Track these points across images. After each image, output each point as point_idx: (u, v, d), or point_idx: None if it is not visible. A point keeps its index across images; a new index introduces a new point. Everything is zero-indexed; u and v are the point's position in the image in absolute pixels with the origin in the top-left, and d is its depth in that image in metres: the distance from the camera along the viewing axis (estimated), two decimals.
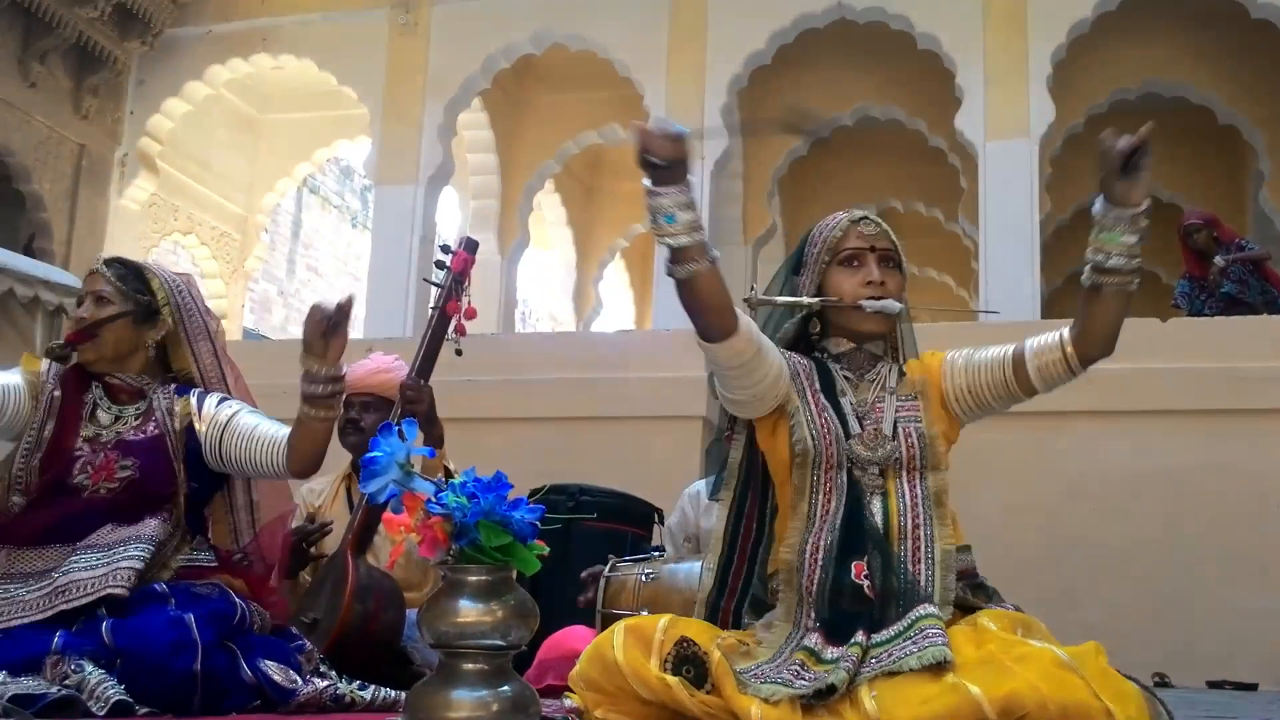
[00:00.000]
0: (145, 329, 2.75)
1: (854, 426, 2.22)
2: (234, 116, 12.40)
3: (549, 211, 13.52)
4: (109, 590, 2.38)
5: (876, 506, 2.17)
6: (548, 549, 1.60)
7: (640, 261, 14.39)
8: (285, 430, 2.67)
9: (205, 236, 12.24)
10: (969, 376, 2.30)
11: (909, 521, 2.17)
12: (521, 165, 11.88)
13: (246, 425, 2.70)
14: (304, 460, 2.62)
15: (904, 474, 2.20)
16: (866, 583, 2.08)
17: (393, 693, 2.68)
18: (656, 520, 4.21)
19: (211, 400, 2.75)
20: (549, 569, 1.64)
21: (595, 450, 5.41)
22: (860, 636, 2.00)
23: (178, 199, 11.80)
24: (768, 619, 2.19)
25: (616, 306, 15.34)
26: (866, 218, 2.35)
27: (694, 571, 2.97)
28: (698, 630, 2.09)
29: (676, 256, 2.08)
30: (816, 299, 2.30)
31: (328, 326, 2.48)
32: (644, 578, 3.04)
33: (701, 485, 3.72)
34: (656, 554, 3.25)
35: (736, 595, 2.31)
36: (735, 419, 2.40)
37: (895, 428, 2.22)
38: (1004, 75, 8.91)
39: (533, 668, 3.14)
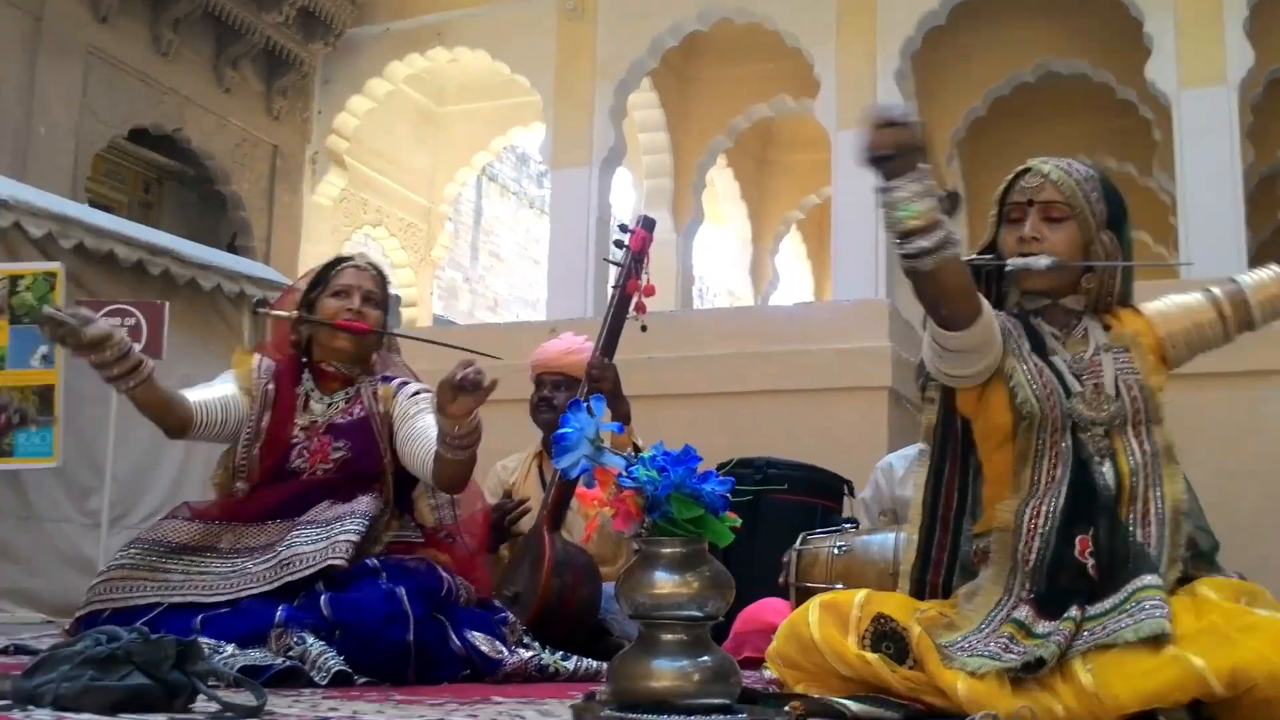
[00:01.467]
0: (380, 345, 2.99)
1: (1073, 385, 2.11)
2: (414, 110, 12.79)
3: (722, 187, 13.49)
4: (330, 561, 2.51)
5: (1106, 469, 2.06)
6: (739, 520, 1.60)
7: (816, 232, 14.22)
8: None
9: (394, 228, 12.68)
10: (1187, 321, 2.20)
11: (1140, 482, 2.05)
12: (693, 142, 11.88)
13: (419, 428, 2.79)
14: (446, 486, 2.75)
15: (1129, 432, 2.09)
16: (1091, 561, 1.97)
17: (594, 663, 2.75)
18: (846, 492, 4.17)
19: (407, 391, 2.89)
20: (739, 542, 1.64)
21: (778, 424, 5.38)
22: (1075, 611, 1.91)
23: (366, 193, 12.26)
24: (971, 587, 2.13)
25: (794, 279, 15.20)
26: (1030, 169, 2.24)
27: (888, 543, 2.93)
28: (896, 605, 2.05)
29: (918, 250, 1.94)
30: (975, 257, 2.22)
31: (457, 389, 2.48)
32: (836, 550, 3.02)
33: (894, 458, 3.67)
34: (848, 526, 3.22)
35: (943, 568, 2.22)
36: (926, 382, 2.32)
37: (1116, 384, 2.12)
38: (1196, 21, 8.44)
39: (729, 640, 3.16)
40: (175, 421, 2.76)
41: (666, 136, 11.80)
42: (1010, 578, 2.04)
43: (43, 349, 5.45)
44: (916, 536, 2.25)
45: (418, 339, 3.04)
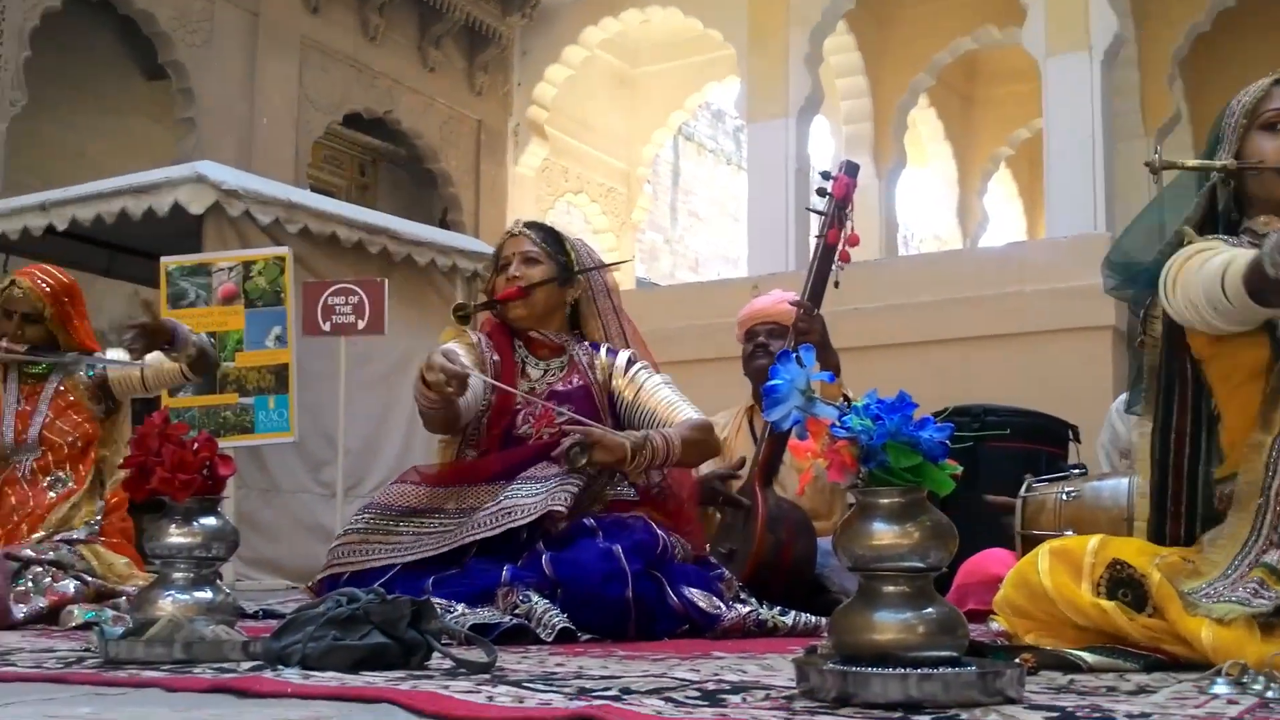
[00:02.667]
0: (566, 289, 2.97)
1: None
2: (610, 75, 12.91)
3: (925, 128, 13.10)
4: (551, 508, 2.56)
5: None
6: (960, 468, 1.54)
7: (1027, 168, 13.65)
8: (690, 415, 2.86)
9: (594, 194, 12.86)
10: None
11: None
12: (893, 83, 11.56)
13: (662, 398, 2.91)
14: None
15: None
16: None
17: (813, 618, 2.73)
18: (1071, 437, 4.00)
19: (622, 358, 2.96)
20: (959, 492, 1.59)
21: (994, 370, 5.21)
22: None
23: (566, 161, 12.46)
24: (1215, 533, 1.99)
25: (1004, 219, 14.64)
26: None
27: (1120, 488, 2.79)
28: (1134, 551, 1.94)
29: None
30: (1232, 161, 2.04)
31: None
32: (1064, 496, 2.90)
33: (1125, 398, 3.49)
34: (1076, 472, 3.08)
35: (1182, 519, 2.06)
36: (1145, 321, 2.14)
37: None
38: None
39: (951, 592, 3.08)
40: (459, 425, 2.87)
41: (865, 80, 11.52)
42: (1259, 519, 1.90)
43: (276, 330, 5.78)
44: (1147, 490, 2.11)
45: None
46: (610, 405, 2.92)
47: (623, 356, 2.97)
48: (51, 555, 3.22)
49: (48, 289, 3.53)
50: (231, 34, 9.29)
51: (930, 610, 1.46)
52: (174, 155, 8.40)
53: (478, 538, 2.59)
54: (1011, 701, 1.40)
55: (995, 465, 3.66)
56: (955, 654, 1.45)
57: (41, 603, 3.08)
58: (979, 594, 2.88)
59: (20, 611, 3.03)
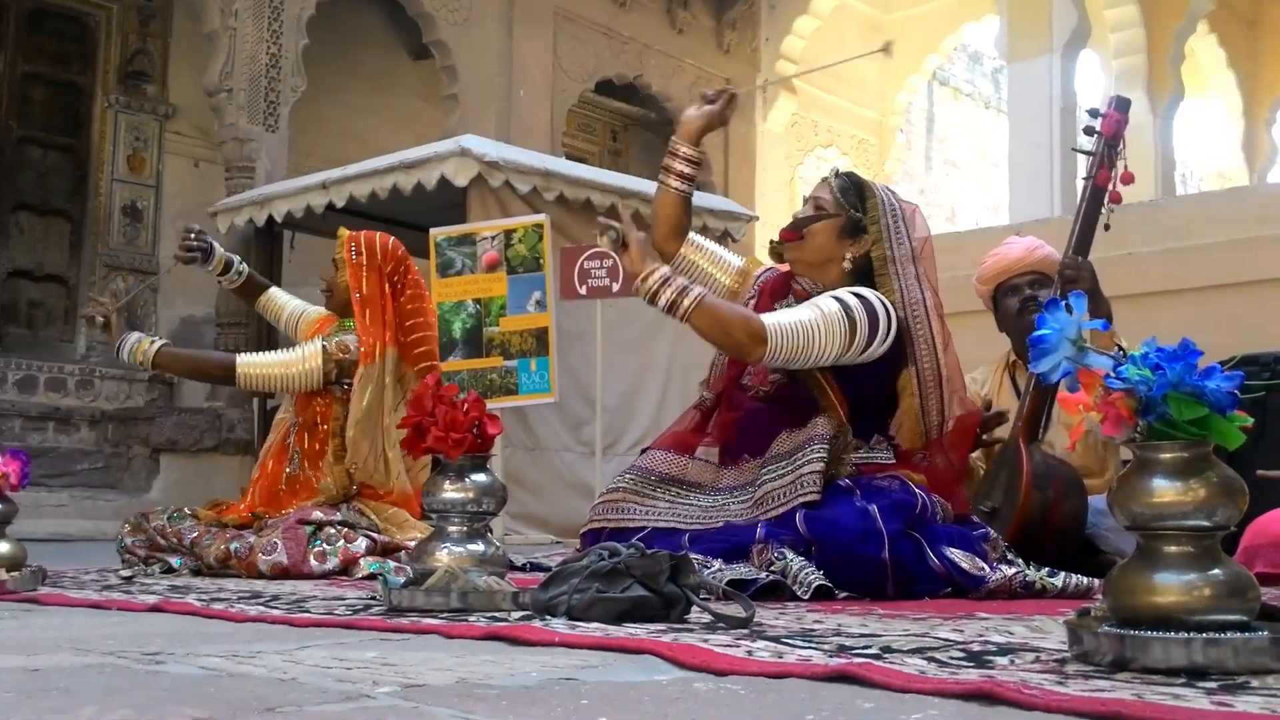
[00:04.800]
0: (847, 242, 2.83)
1: None
2: (861, 22, 12.62)
3: (1205, 57, 12.17)
4: (800, 498, 2.54)
5: None
6: (1250, 420, 1.43)
7: None
8: (765, 315, 2.70)
9: (845, 146, 12.64)
10: None
11: None
12: (1169, 9, 10.79)
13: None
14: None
15: None
16: None
17: (1085, 580, 2.60)
18: None
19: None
20: (1248, 447, 1.47)
21: None
22: None
23: (816, 114, 12.30)
24: None
25: None
26: None
27: None
28: None
29: None
30: None
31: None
32: None
33: None
34: None
35: None
36: None
37: None
38: None
39: (1238, 553, 2.87)
40: (668, 236, 2.99)
41: (1137, 8, 10.80)
42: None
43: (536, 295, 5.98)
44: None
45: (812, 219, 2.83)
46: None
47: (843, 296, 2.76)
48: (339, 516, 3.44)
49: (353, 242, 3.64)
50: (490, 10, 9.62)
51: (1217, 571, 1.37)
52: (440, 131, 8.80)
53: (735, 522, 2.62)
54: None
55: None
56: (1244, 618, 1.35)
57: (335, 562, 3.30)
58: (1270, 555, 2.67)
59: (318, 568, 3.26)
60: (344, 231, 3.75)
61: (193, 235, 3.91)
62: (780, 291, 2.93)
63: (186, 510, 3.62)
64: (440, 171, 6.47)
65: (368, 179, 6.86)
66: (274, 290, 4.04)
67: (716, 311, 2.64)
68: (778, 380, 2.78)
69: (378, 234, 3.76)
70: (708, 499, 2.72)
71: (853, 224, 2.81)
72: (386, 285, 3.64)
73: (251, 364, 3.58)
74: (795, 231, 2.84)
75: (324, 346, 3.59)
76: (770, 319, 2.65)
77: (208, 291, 8.03)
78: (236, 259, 4.00)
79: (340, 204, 7.02)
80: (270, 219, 7.45)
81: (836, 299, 2.68)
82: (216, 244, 3.95)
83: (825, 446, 2.60)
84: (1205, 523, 1.37)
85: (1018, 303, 3.49)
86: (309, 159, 8.33)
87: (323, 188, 7.09)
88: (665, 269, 2.67)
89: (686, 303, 2.60)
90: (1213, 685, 1.20)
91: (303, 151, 8.47)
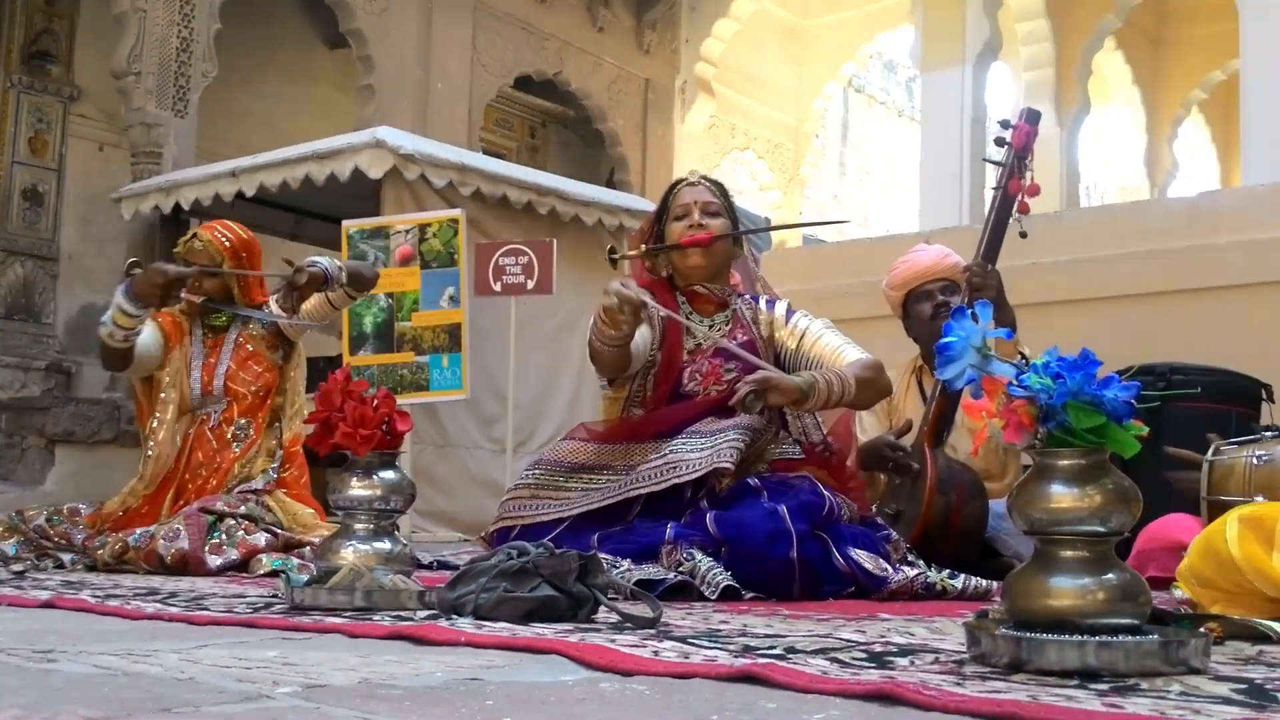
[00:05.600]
0: (736, 246, 2.99)
1: None
2: (779, 28, 12.73)
3: (1110, 72, 12.51)
4: (716, 465, 2.56)
5: None
6: (1146, 429, 1.47)
7: (1222, 113, 12.92)
8: (856, 355, 2.84)
9: (761, 150, 12.74)
10: None
11: None
12: (1077, 25, 11.06)
13: (826, 344, 2.91)
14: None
15: None
16: None
17: (984, 582, 2.66)
18: (1264, 398, 3.77)
19: (780, 308, 2.99)
20: (1143, 455, 1.51)
21: (1182, 327, 4.95)
22: None
23: (734, 117, 12.37)
24: None
25: (1195, 168, 13.89)
26: None
27: None
28: None
29: None
30: None
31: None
32: (1256, 460, 2.73)
33: None
34: (1270, 434, 2.91)
35: None
36: None
37: None
38: None
39: (1131, 558, 2.96)
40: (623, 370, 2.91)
41: (1047, 23, 11.05)
42: None
43: (450, 290, 5.93)
44: None
45: (757, 231, 3.00)
46: (775, 359, 2.91)
47: (780, 307, 3.00)
48: (243, 509, 3.38)
49: (226, 243, 3.69)
50: (408, 1, 9.51)
51: (1110, 576, 1.41)
52: (355, 122, 8.68)
53: (643, 491, 2.62)
54: (1196, 672, 1.34)
55: (1182, 426, 3.48)
56: (1136, 622, 1.39)
57: (234, 554, 3.24)
58: (1161, 560, 2.75)
59: (215, 562, 3.20)
60: (206, 238, 3.72)
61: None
62: (672, 303, 2.93)
63: (65, 511, 3.53)
64: (354, 163, 6.38)
65: (279, 168, 6.74)
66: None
67: (863, 378, 2.79)
68: (734, 378, 2.79)
69: (227, 226, 3.82)
70: (620, 477, 2.72)
71: (735, 227, 3.00)
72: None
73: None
74: (707, 243, 2.88)
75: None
76: (861, 352, 2.87)
77: (109, 279, 7.81)
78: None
79: (250, 193, 6.89)
80: (177, 206, 7.27)
81: (820, 321, 2.95)
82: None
83: (749, 434, 2.64)
84: (1100, 528, 1.41)
85: (931, 308, 3.56)
86: (219, 146, 8.15)
87: (232, 175, 6.94)
88: (815, 377, 2.72)
89: (850, 389, 2.74)
90: (1104, 687, 1.23)
91: (213, 138, 8.28)
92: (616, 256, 2.97)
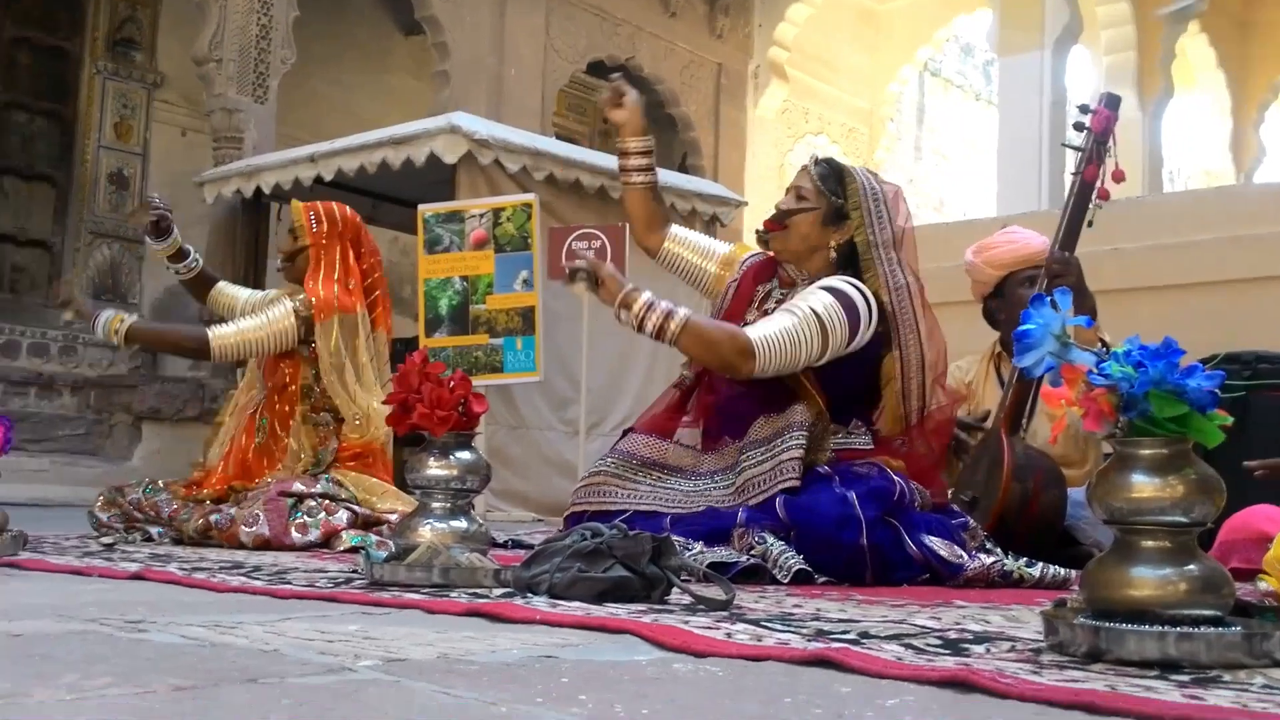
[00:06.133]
0: (830, 229, 2.84)
1: None
2: (854, 11, 12.60)
3: (1195, 55, 12.20)
4: (780, 485, 2.56)
5: None
6: (1230, 419, 1.45)
7: None
8: (748, 328, 2.71)
9: (835, 135, 12.64)
10: None
11: None
12: (1161, 7, 10.80)
13: (761, 312, 2.83)
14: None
15: None
16: None
17: (1062, 570, 2.63)
18: None
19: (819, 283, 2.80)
20: (1227, 444, 1.49)
21: (1267, 314, 4.83)
22: None
23: (807, 102, 12.29)
24: None
25: None
26: None
27: None
28: None
29: None
30: None
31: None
32: None
33: None
34: None
35: None
36: None
37: None
38: None
39: (1214, 548, 2.90)
40: (645, 237, 3.06)
41: (1129, 6, 10.81)
42: None
43: (524, 274, 5.97)
44: None
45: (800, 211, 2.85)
46: None
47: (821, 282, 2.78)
48: (319, 488, 3.45)
49: (311, 212, 3.74)
50: None
51: (1192, 567, 1.39)
52: (430, 107, 8.76)
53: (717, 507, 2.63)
54: (1279, 665, 1.31)
55: (1268, 416, 3.41)
56: (1218, 613, 1.37)
57: (316, 533, 3.31)
58: (1245, 551, 2.70)
59: (298, 540, 3.27)
60: (297, 203, 3.81)
61: (156, 199, 3.87)
62: (765, 275, 2.94)
63: (160, 484, 3.63)
64: (429, 148, 6.45)
65: (356, 153, 6.84)
66: (223, 284, 4.03)
67: (704, 332, 2.65)
68: None
69: (334, 203, 3.87)
70: (689, 483, 2.73)
71: (835, 211, 2.82)
72: (350, 251, 3.76)
73: (223, 334, 3.58)
74: (778, 222, 2.85)
75: (293, 307, 3.61)
76: (755, 333, 2.65)
77: None
78: (191, 248, 3.94)
79: (329, 177, 7.00)
80: (258, 190, 7.41)
81: (812, 303, 2.68)
82: (175, 227, 3.87)
83: (804, 433, 2.62)
84: (1182, 519, 1.39)
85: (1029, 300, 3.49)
86: (298, 131, 8.29)
87: (311, 161, 7.06)
88: (647, 295, 2.65)
89: (673, 326, 2.60)
90: (1185, 679, 1.22)
91: (292, 124, 8.42)
92: (762, 236, 2.97)
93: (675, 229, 3.05)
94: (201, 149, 8.31)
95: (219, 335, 3.58)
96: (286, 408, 3.66)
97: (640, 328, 2.63)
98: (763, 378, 2.68)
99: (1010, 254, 3.58)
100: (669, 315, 2.60)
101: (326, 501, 3.41)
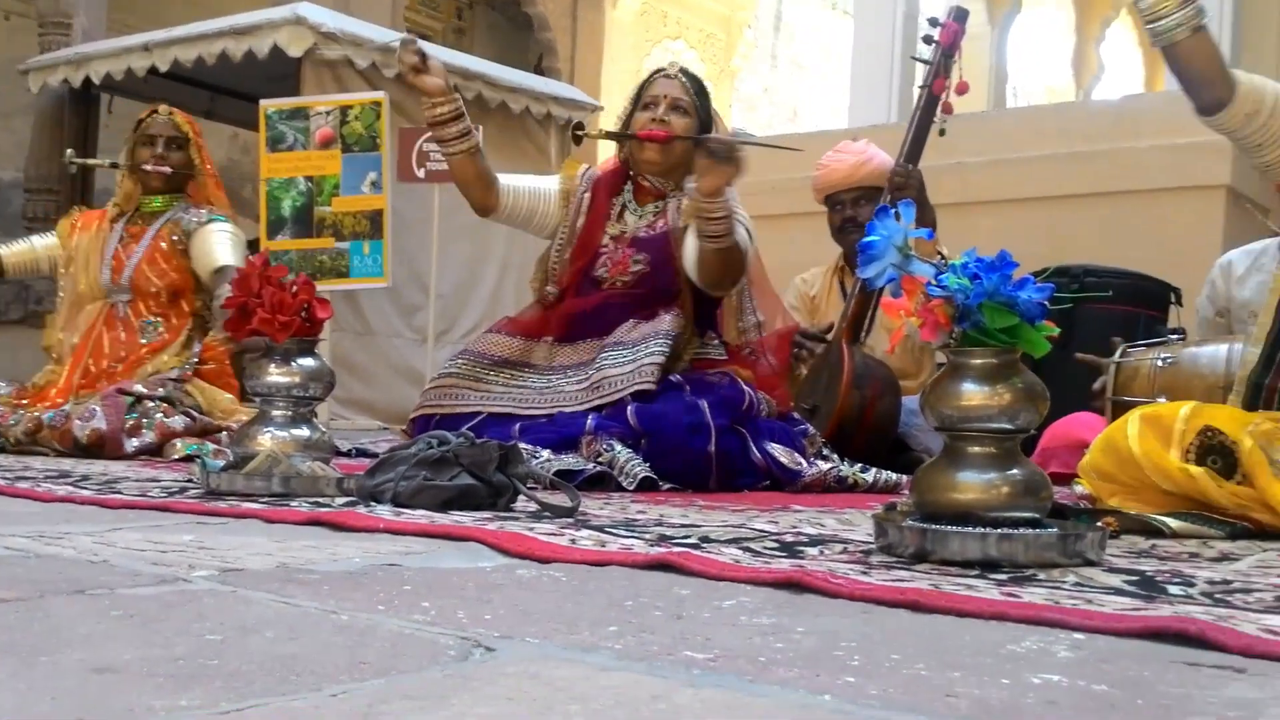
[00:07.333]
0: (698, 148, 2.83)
1: None
2: None
3: None
4: (638, 386, 2.58)
5: None
6: (1057, 330, 1.51)
7: None
8: None
9: (692, 40, 12.57)
10: None
11: None
12: None
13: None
14: (709, 282, 2.76)
15: None
16: None
17: (894, 476, 2.73)
18: (1173, 301, 3.88)
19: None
20: (1052, 355, 1.56)
21: (1099, 229, 5.04)
22: None
23: (666, 5, 12.16)
24: None
25: (1121, 71, 13.99)
26: None
27: (1219, 355, 2.71)
28: (1226, 418, 1.91)
29: (1162, 26, 1.94)
30: None
31: (709, 156, 2.52)
32: (1160, 363, 2.82)
33: (1235, 255, 3.36)
34: (1175, 338, 3.00)
35: None
36: None
37: None
38: None
39: (1035, 455, 3.05)
40: (484, 198, 2.89)
41: None
42: None
43: (372, 175, 5.81)
44: (1261, 339, 2.07)
45: (720, 141, 2.86)
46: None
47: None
48: (162, 391, 3.34)
49: (187, 117, 3.69)
50: None
51: (1015, 471, 1.45)
52: None
53: (567, 410, 2.63)
54: (1091, 564, 1.39)
55: (1092, 327, 3.57)
56: (1037, 516, 1.45)
57: (151, 437, 3.21)
58: (1064, 457, 2.84)
59: (131, 444, 3.17)
60: (173, 110, 3.72)
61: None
62: (616, 187, 2.92)
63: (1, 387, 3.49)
64: (273, 40, 6.17)
65: (194, 43, 6.50)
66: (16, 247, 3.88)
67: (736, 250, 2.68)
68: (640, 271, 2.79)
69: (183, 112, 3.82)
70: (541, 380, 2.74)
71: (702, 124, 2.84)
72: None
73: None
74: (670, 138, 2.80)
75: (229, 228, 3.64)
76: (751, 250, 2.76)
77: (15, 154, 7.54)
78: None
79: (164, 68, 6.64)
80: (87, 81, 6.99)
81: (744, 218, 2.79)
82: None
83: (669, 342, 2.66)
84: (1008, 425, 1.45)
85: (839, 220, 3.60)
86: (131, 19, 7.83)
87: (145, 50, 6.68)
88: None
89: (734, 240, 2.63)
90: (1003, 577, 1.28)
91: (125, 9, 7.95)
92: (581, 134, 2.92)
93: (504, 180, 2.93)
94: (26, 34, 7.79)
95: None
96: (158, 314, 3.58)
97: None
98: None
99: (821, 180, 3.70)
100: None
101: (165, 405, 3.31)
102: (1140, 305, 3.84)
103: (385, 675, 0.80)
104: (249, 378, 2.25)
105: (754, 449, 2.54)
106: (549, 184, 2.98)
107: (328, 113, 5.87)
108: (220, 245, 3.57)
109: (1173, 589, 1.22)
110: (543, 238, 3.00)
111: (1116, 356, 2.94)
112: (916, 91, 3.39)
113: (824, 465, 2.65)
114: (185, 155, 3.67)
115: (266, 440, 2.17)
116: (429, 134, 5.69)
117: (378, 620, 1.00)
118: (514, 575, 1.28)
